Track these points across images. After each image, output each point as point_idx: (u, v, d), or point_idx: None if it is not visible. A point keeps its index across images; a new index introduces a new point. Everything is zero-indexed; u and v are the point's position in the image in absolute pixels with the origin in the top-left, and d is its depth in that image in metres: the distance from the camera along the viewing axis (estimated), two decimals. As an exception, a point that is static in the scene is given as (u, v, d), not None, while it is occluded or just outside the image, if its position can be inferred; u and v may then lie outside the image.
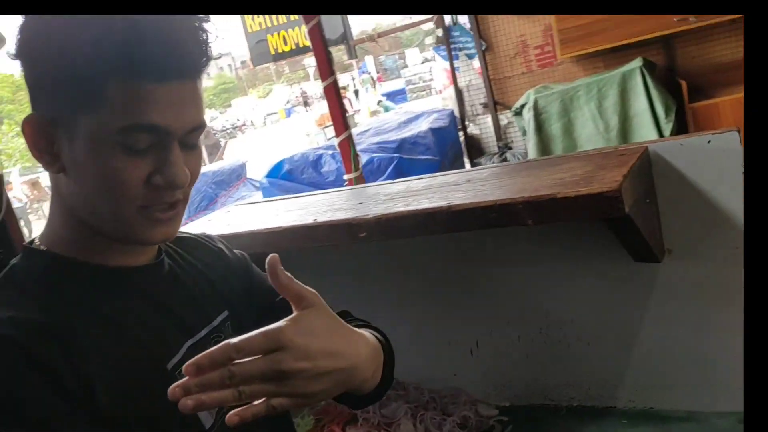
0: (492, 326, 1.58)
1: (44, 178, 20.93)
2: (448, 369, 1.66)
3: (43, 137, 0.84)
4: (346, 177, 2.90)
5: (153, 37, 0.77)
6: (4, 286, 0.85)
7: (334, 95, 2.85)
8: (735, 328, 1.31)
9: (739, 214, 1.27)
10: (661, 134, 5.22)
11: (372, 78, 27.53)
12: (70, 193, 0.88)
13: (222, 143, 18.05)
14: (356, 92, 27.29)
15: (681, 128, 4.78)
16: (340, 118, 2.85)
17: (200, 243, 1.10)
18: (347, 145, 2.83)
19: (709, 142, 1.27)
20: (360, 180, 2.89)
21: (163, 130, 0.82)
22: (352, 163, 2.83)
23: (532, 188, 1.20)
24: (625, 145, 1.39)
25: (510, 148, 7.12)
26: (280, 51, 6.79)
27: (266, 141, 17.95)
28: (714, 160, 1.27)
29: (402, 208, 1.30)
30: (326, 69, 2.80)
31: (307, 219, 1.42)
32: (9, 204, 1.55)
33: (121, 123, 0.80)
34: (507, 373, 1.60)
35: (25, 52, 0.83)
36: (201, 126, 0.87)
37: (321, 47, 2.76)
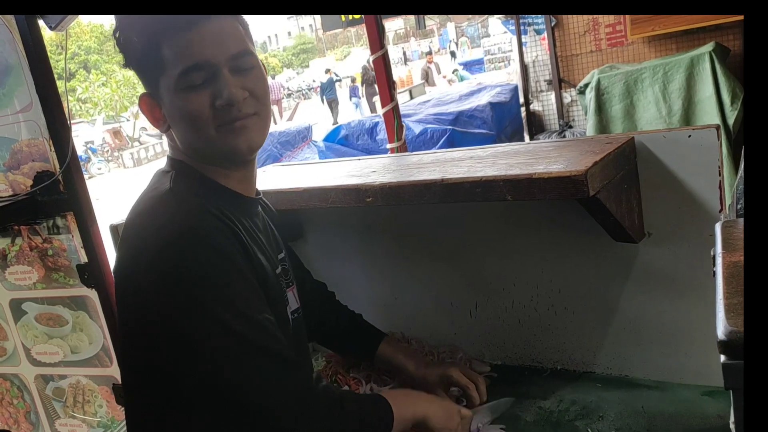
0: (489, 293, 1.72)
1: (126, 127, 21.82)
2: (449, 328, 1.82)
3: (153, 107, 1.18)
4: (388, 146, 3.06)
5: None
6: (190, 199, 1.14)
7: (383, 68, 2.99)
8: (705, 308, 1.43)
9: (714, 204, 1.37)
10: (725, 122, 5.11)
11: (468, 41, 27.38)
12: (176, 145, 1.21)
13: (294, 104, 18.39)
14: (452, 54, 27.28)
15: (748, 117, 4.68)
16: (387, 89, 2.99)
17: (268, 205, 1.44)
18: (392, 116, 2.99)
19: (689, 136, 1.37)
20: (402, 150, 3.04)
21: (206, 64, 1.11)
22: (395, 134, 2.98)
23: (519, 168, 1.34)
24: (615, 135, 1.50)
25: (571, 127, 7.09)
26: (351, 17, 6.89)
27: (339, 104, 18.17)
28: (693, 154, 1.36)
29: (405, 179, 1.46)
30: (377, 42, 2.95)
31: (325, 183, 1.60)
32: (74, 151, 1.78)
33: (178, 70, 1.10)
34: (501, 336, 1.74)
35: (121, 49, 1.18)
36: (243, 52, 1.14)
37: (372, 20, 2.90)
